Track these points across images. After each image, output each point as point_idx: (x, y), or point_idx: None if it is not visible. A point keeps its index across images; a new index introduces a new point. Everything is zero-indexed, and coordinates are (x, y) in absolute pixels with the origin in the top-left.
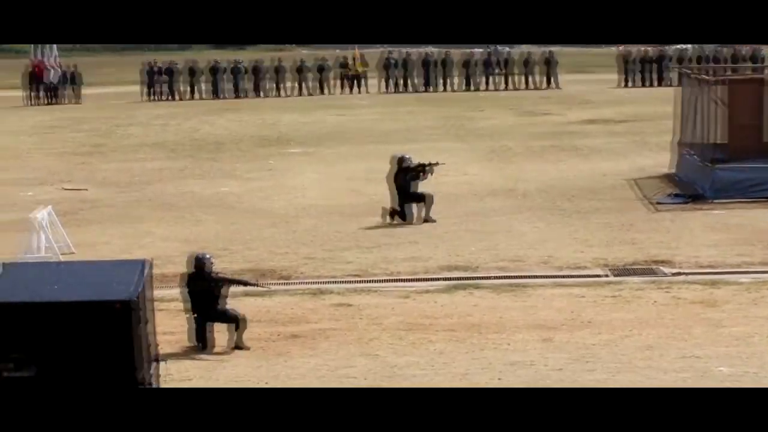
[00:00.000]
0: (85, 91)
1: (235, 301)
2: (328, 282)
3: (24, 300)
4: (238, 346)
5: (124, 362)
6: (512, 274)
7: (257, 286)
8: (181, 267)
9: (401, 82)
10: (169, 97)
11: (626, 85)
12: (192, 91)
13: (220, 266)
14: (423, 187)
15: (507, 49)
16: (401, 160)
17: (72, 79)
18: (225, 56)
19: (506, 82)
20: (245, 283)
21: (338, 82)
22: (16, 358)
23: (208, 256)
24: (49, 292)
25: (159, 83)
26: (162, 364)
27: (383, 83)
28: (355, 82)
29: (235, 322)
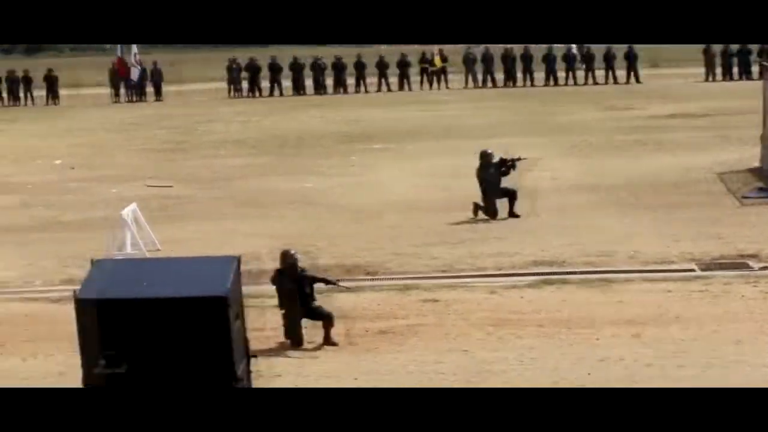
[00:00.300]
0: (167, 88)
1: (322, 297)
2: (415, 278)
3: (118, 297)
4: (327, 342)
5: (221, 358)
6: (600, 269)
7: (337, 284)
8: (267, 263)
9: (482, 77)
10: (251, 94)
11: (708, 79)
12: (273, 88)
13: (306, 262)
14: (506, 182)
15: None
16: (485, 155)
17: (153, 77)
18: (306, 53)
19: (587, 77)
20: (327, 282)
21: (419, 78)
22: (110, 354)
23: (293, 252)
24: (142, 289)
25: (241, 80)
26: (253, 360)
27: (464, 79)
28: (436, 77)
29: (323, 318)
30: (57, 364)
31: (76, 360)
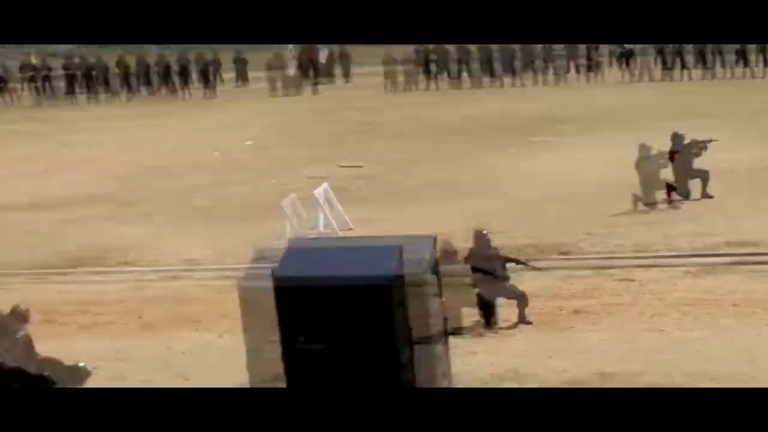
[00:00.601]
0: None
1: (516, 276)
2: (609, 257)
3: (315, 275)
4: (521, 321)
5: (420, 336)
6: None
7: (528, 264)
8: (461, 243)
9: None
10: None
11: None
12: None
13: (500, 243)
14: (698, 163)
15: None
16: (676, 137)
17: (342, 60)
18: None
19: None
20: (519, 261)
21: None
22: (309, 331)
23: (485, 232)
24: (338, 269)
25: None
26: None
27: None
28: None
29: (517, 297)
30: None
31: (269, 336)
